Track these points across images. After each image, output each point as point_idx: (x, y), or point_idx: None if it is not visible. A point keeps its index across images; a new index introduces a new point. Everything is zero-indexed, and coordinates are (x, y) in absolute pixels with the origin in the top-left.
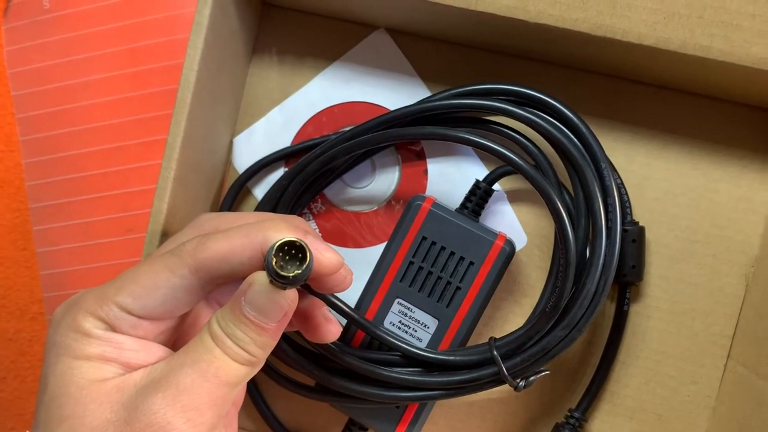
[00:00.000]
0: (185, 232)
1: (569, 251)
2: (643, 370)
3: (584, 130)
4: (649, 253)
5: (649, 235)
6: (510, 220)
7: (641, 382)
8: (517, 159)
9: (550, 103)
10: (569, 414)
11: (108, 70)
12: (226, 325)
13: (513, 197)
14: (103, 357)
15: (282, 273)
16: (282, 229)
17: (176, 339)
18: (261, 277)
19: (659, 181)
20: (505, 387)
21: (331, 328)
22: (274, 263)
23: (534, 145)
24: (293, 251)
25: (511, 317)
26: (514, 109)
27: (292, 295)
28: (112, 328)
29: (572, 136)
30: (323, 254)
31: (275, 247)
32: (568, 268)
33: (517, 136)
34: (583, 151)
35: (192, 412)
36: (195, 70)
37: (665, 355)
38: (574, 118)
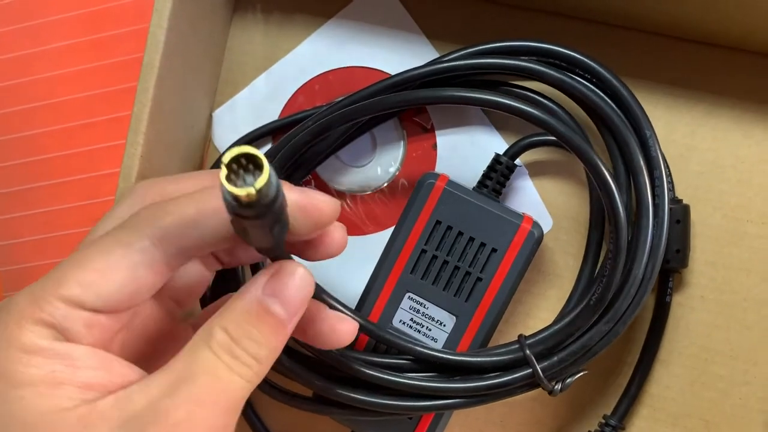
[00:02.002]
0: (122, 208)
1: (620, 235)
2: (687, 369)
3: (626, 94)
4: (693, 235)
5: (693, 215)
6: (533, 200)
7: (685, 384)
8: (561, 127)
9: (587, 63)
10: (604, 421)
11: (69, 37)
12: (237, 328)
13: (533, 173)
14: (53, 380)
15: (240, 190)
16: None
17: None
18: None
19: (705, 152)
20: (529, 394)
21: (344, 327)
22: (225, 182)
23: (566, 112)
24: (249, 165)
25: (535, 312)
26: (545, 69)
27: (308, 277)
28: (62, 334)
29: (611, 102)
30: (316, 197)
31: (224, 165)
32: (618, 255)
33: (546, 101)
34: (624, 118)
35: None
36: (164, 29)
37: (713, 352)
38: (614, 81)
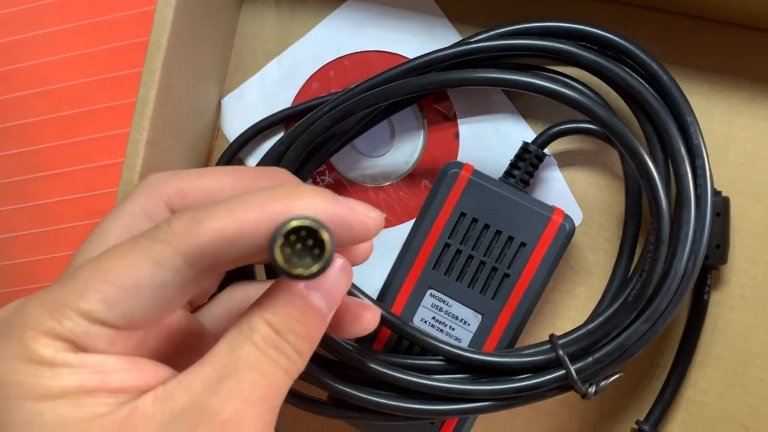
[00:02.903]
0: (134, 203)
1: (662, 227)
2: (725, 372)
3: (665, 78)
4: (732, 229)
5: (732, 208)
6: (561, 192)
7: (723, 387)
8: (601, 112)
9: (624, 45)
10: (637, 427)
11: (67, 20)
12: (281, 322)
13: (562, 164)
14: (83, 389)
15: (295, 272)
16: (305, 195)
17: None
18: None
19: (744, 141)
20: (556, 397)
21: (368, 314)
22: (281, 260)
23: (600, 97)
24: (308, 239)
25: (563, 310)
26: (580, 51)
27: (348, 267)
28: (82, 348)
29: (650, 87)
30: (363, 213)
31: (281, 235)
32: (659, 247)
33: (579, 85)
34: (664, 103)
35: None
36: (172, 6)
37: (752, 353)
38: (654, 64)
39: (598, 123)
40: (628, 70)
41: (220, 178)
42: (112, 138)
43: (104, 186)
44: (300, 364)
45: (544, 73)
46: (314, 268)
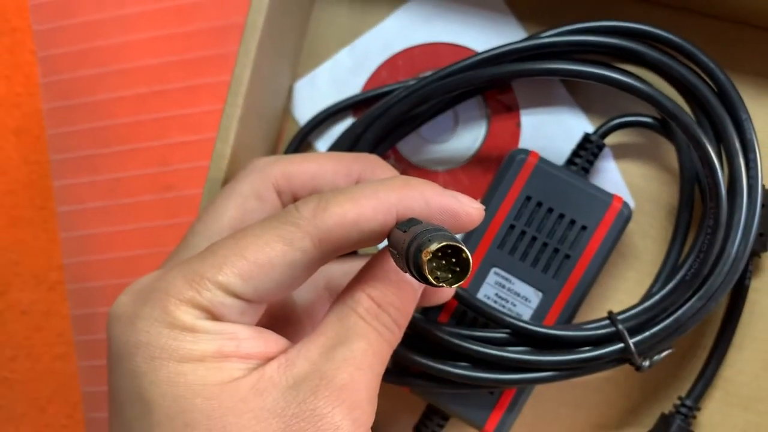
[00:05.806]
0: (244, 185)
1: (721, 210)
2: (761, 354)
3: (723, 77)
4: None
5: None
6: (615, 182)
7: (759, 369)
8: (669, 103)
9: (685, 46)
10: (680, 402)
11: (146, 2)
12: (381, 295)
13: (616, 155)
14: (221, 354)
15: (438, 284)
16: (417, 186)
17: None
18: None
19: None
20: (602, 375)
21: None
22: (426, 270)
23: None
24: (449, 252)
25: (612, 293)
26: (647, 50)
27: None
28: (217, 317)
29: (711, 84)
30: (468, 204)
31: (430, 252)
32: (717, 229)
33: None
34: (720, 101)
35: (357, 411)
36: None
37: None
38: (712, 64)
39: (666, 114)
40: (689, 68)
41: (321, 163)
42: (185, 117)
43: (176, 162)
44: (398, 335)
45: (616, 67)
46: (455, 285)
